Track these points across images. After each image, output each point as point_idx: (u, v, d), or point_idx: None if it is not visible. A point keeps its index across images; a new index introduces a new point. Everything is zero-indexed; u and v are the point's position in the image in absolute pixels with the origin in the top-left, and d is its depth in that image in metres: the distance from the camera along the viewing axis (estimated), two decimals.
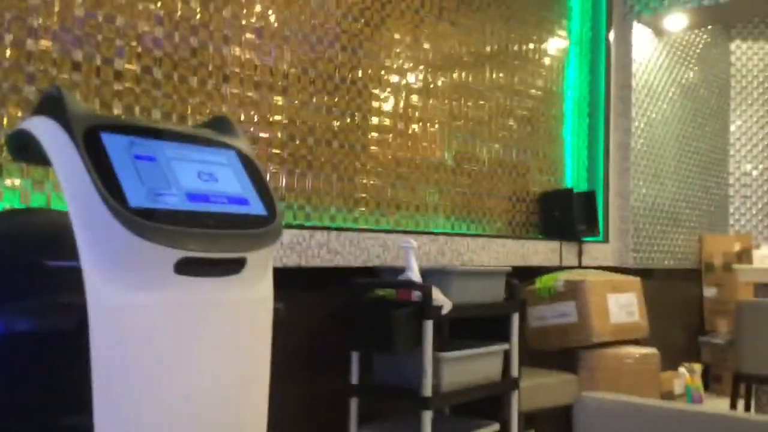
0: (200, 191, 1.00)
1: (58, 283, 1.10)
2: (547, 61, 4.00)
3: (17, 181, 2.04)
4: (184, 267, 0.94)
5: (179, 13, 2.44)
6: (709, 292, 4.75)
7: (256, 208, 1.07)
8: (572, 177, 4.14)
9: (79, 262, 0.95)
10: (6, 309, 0.97)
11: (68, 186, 0.91)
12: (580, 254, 3.87)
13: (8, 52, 2.03)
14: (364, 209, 3.01)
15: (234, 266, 1.01)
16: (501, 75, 3.70)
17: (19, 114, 2.04)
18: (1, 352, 0.96)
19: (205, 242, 0.96)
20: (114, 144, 0.96)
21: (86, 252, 0.89)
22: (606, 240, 4.18)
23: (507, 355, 2.83)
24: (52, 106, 0.98)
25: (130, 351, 0.91)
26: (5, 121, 2.02)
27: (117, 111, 2.27)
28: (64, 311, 0.97)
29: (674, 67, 4.70)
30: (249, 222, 1.04)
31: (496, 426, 2.73)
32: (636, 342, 3.41)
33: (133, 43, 2.33)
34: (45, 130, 0.96)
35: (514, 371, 2.84)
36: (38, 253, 1.09)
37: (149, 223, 0.91)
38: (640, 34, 4.36)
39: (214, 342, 0.98)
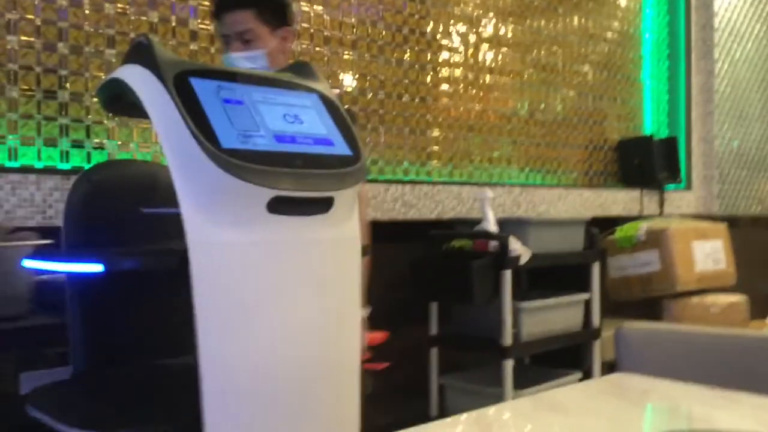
0: (287, 132, 1.01)
1: (154, 229, 1.14)
2: (623, 2, 3.83)
3: (105, 141, 2.12)
4: (276, 206, 0.96)
5: None
6: None
7: (341, 148, 1.07)
8: (652, 123, 3.99)
9: (173, 208, 0.98)
10: (109, 252, 1.01)
11: (163, 130, 0.94)
12: (661, 203, 3.75)
13: (88, 16, 2.09)
14: (436, 162, 3.00)
15: (323, 205, 1.02)
16: (575, 19, 3.57)
17: (102, 75, 2.12)
18: (105, 291, 1.01)
19: (295, 181, 0.97)
20: (203, 88, 0.98)
21: (183, 192, 0.92)
22: (689, 187, 4.03)
23: (588, 305, 2.79)
24: (142, 54, 1.00)
25: (230, 288, 0.93)
26: (89, 83, 2.10)
27: None
28: (164, 252, 1.01)
29: (758, 3, 4.43)
30: (335, 162, 1.05)
31: (578, 375, 2.71)
32: (723, 290, 3.30)
33: (206, 3, 2.36)
34: (137, 77, 0.98)
35: (596, 321, 2.80)
36: (135, 202, 1.13)
37: (242, 163, 0.93)
38: None
39: (307, 279, 1.00)
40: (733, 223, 3.89)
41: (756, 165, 4.40)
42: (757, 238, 4.33)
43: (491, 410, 0.92)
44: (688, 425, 0.90)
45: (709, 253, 3.20)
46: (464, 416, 0.91)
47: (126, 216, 1.16)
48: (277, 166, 0.96)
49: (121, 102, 1.13)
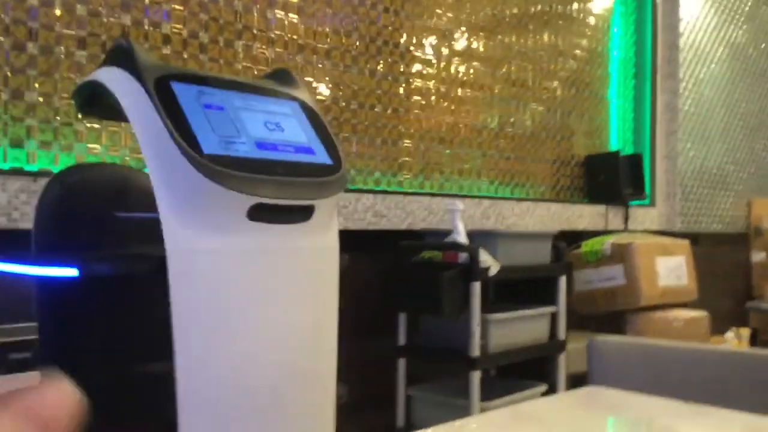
0: (268, 140, 1.01)
1: (128, 234, 1.12)
2: (591, 20, 3.91)
3: (73, 144, 2.09)
4: (257, 213, 0.95)
5: None
6: (757, 256, 4.65)
7: (322, 157, 1.07)
8: (618, 140, 4.07)
9: (149, 213, 0.96)
10: (84, 256, 0.99)
11: (143, 134, 0.92)
12: (626, 218, 3.82)
13: (59, 16, 2.06)
14: (408, 173, 3.01)
15: (303, 213, 1.01)
16: (545, 36, 3.63)
17: (73, 77, 2.08)
18: (80, 296, 0.99)
19: (277, 189, 0.96)
20: (184, 93, 0.96)
21: (163, 198, 0.90)
22: (653, 204, 4.12)
23: (554, 317, 2.82)
24: (122, 56, 0.99)
25: (208, 295, 0.92)
26: (59, 84, 2.06)
27: None
28: (141, 258, 0.99)
29: (722, 26, 4.56)
30: (316, 170, 1.04)
31: (544, 387, 2.73)
32: (684, 306, 3.37)
33: (179, 7, 2.34)
34: (117, 80, 0.97)
35: (561, 333, 2.83)
36: (109, 205, 1.11)
37: (223, 169, 0.92)
38: None
39: (286, 287, 0.99)
40: (695, 239, 3.99)
41: (717, 184, 4.51)
42: (716, 256, 4.44)
43: (471, 421, 0.93)
44: None
45: (672, 269, 3.27)
46: (444, 427, 0.91)
47: (98, 220, 1.13)
48: (259, 173, 0.95)
49: (97, 105, 1.11)
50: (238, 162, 0.95)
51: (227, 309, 0.94)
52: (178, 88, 0.97)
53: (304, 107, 1.12)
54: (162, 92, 0.95)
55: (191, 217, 0.90)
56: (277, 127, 1.03)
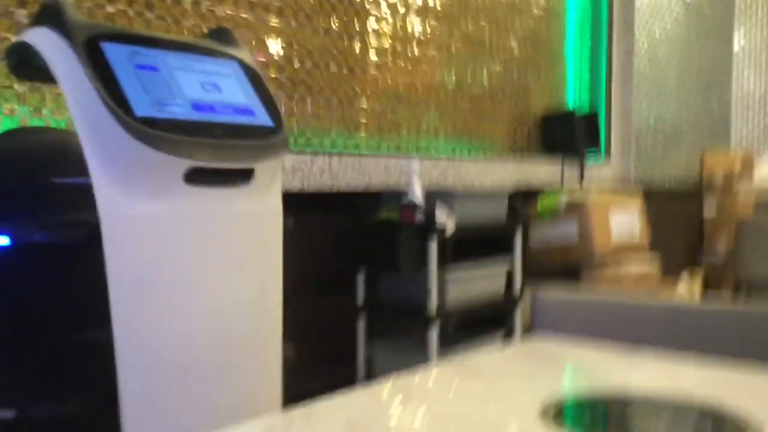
0: (205, 101, 0.99)
1: (66, 200, 1.09)
2: None
3: (15, 107, 2.02)
4: (194, 177, 0.93)
5: None
6: (709, 211, 4.77)
7: (262, 119, 1.05)
8: (574, 98, 4.09)
9: (86, 178, 0.94)
10: (16, 224, 0.97)
11: (72, 97, 0.90)
12: (581, 175, 3.87)
13: None
14: (364, 134, 2.99)
15: (243, 177, 1.00)
16: None
17: (12, 38, 2.00)
18: (11, 265, 0.97)
19: (214, 152, 0.95)
20: (115, 53, 0.94)
21: (95, 163, 0.88)
22: (608, 161, 4.17)
23: (510, 273, 2.87)
24: (51, 16, 0.95)
25: (145, 261, 0.91)
26: None
27: None
28: (75, 225, 0.97)
29: None
30: (256, 132, 1.03)
31: (500, 338, 2.79)
32: (636, 261, 3.45)
33: None
34: (45, 41, 0.93)
35: (517, 288, 2.89)
36: (45, 171, 1.09)
37: (156, 132, 0.90)
38: None
39: (226, 252, 0.99)
40: (648, 195, 4.06)
41: (671, 140, 4.59)
42: (670, 210, 4.54)
43: (415, 375, 0.94)
44: (604, 388, 0.95)
45: (625, 225, 3.33)
46: (388, 382, 0.92)
47: (33, 186, 1.11)
48: (195, 136, 0.93)
49: (30, 66, 1.07)
50: (173, 124, 0.93)
51: (165, 275, 0.93)
52: (109, 48, 0.94)
53: (244, 67, 1.10)
54: (92, 53, 0.92)
55: (125, 182, 0.89)
56: (214, 87, 1.01)
